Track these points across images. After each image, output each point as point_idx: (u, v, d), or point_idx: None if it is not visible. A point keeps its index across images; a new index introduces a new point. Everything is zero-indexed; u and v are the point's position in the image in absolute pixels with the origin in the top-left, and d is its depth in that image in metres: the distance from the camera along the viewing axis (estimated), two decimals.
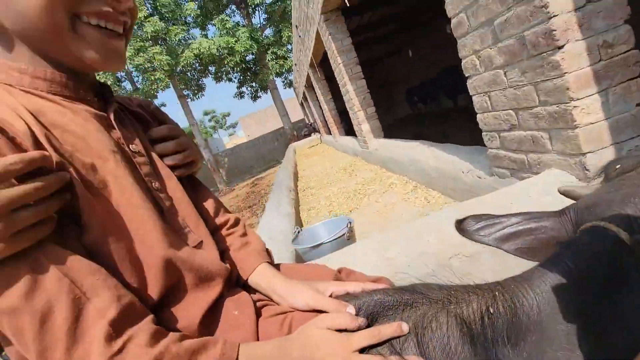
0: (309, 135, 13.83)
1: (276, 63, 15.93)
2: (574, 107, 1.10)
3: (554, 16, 1.04)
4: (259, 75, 17.41)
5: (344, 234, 1.66)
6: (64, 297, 0.33)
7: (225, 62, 14.40)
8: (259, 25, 17.24)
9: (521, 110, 1.34)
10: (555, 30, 1.05)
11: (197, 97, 17.73)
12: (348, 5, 2.92)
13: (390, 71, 16.50)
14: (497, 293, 0.49)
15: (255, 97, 19.61)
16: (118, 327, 0.35)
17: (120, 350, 0.34)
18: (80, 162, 0.40)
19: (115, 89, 13.14)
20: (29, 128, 0.36)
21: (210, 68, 16.64)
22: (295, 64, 10.79)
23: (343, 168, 5.54)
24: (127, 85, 15.21)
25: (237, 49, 13.96)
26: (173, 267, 0.44)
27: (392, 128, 10.75)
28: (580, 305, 0.39)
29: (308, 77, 9.20)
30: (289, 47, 17.33)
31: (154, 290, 0.42)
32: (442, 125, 8.09)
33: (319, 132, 12.78)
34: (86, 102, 0.45)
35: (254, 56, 16.62)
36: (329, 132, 10.93)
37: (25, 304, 0.32)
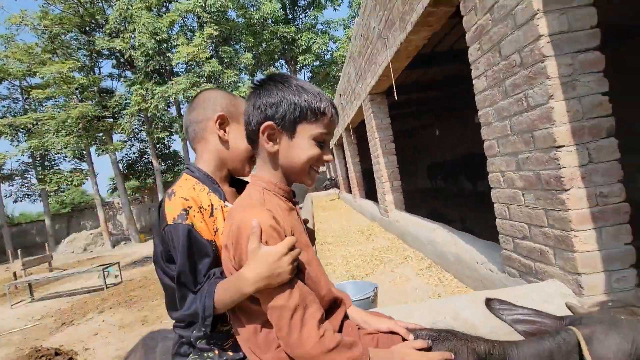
0: (328, 189, 14.29)
1: None
2: (574, 236, 1.41)
3: (563, 168, 1.40)
4: None
5: (369, 297, 1.92)
6: (300, 304, 0.66)
7: None
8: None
9: (533, 226, 1.66)
10: (563, 177, 1.41)
11: None
12: (396, 98, 3.45)
13: (416, 143, 17.27)
14: (496, 344, 0.79)
15: None
16: (320, 323, 0.67)
17: (322, 335, 0.65)
18: (295, 238, 0.74)
19: (163, 112, 14.31)
20: (280, 222, 0.71)
21: None
22: None
23: (360, 230, 5.80)
24: (173, 110, 16.54)
25: None
26: (330, 297, 0.77)
27: (409, 196, 11.11)
28: None
29: (340, 138, 9.88)
30: None
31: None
32: (460, 207, 8.36)
33: (338, 188, 13.23)
34: (291, 200, 0.82)
35: None
36: (349, 191, 11.34)
37: (287, 304, 0.65)
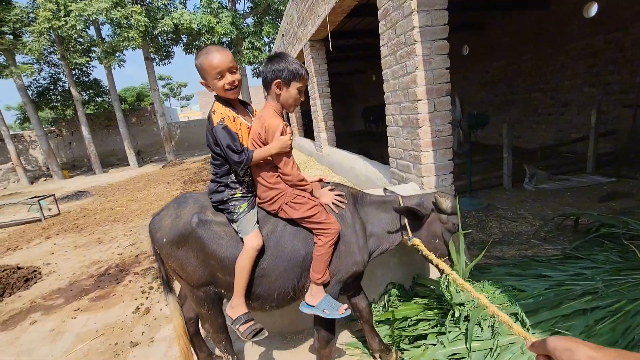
0: None
1: (251, 53, 16.51)
2: (422, 155, 2.39)
3: (420, 113, 2.32)
4: None
5: None
6: (292, 159, 1.51)
7: (203, 38, 14.63)
8: (242, 12, 17.64)
9: (405, 151, 2.63)
10: (419, 119, 2.33)
11: (163, 63, 17.48)
12: (331, 49, 4.09)
13: (353, 87, 18.01)
14: (360, 191, 1.72)
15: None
16: (298, 168, 1.53)
17: (299, 172, 1.53)
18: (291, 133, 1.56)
19: (81, 34, 12.64)
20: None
21: (183, 37, 16.63)
22: None
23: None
24: (92, 31, 14.56)
25: (217, 30, 14.33)
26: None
27: (344, 138, 12.21)
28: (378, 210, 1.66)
29: None
30: (266, 39, 18.00)
31: None
32: (384, 147, 9.67)
33: None
34: (283, 118, 1.57)
35: (230, 40, 16.97)
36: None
37: (287, 159, 1.48)
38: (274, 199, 1.54)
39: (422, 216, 1.67)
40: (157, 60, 17.08)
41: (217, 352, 2.17)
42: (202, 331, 1.97)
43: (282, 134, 1.46)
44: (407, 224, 1.69)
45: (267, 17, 17.23)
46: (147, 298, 3.17)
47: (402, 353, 1.94)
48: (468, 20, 8.11)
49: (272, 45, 18.82)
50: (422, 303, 2.14)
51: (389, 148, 2.92)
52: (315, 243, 1.56)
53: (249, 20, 17.97)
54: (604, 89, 6.06)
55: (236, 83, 1.48)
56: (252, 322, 1.54)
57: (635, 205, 3.91)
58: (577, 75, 6.50)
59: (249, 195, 1.57)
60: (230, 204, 1.52)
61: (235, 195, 1.53)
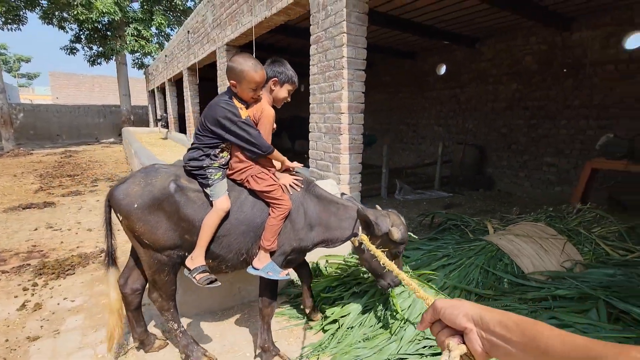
0: (165, 126, 13.33)
1: (136, 41, 14.90)
2: (341, 157, 3.00)
3: (342, 123, 2.94)
4: (109, 42, 15.56)
5: None
6: (270, 132, 1.85)
7: (75, 11, 12.47)
8: None
9: (326, 153, 3.20)
10: (341, 128, 2.95)
11: (10, 28, 13.97)
12: (254, 55, 4.42)
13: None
14: (315, 182, 2.14)
15: (93, 62, 16.99)
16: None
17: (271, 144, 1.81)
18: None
19: None
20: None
21: (43, 2, 13.77)
22: (167, 56, 10.93)
23: None
24: None
25: (97, 5, 12.51)
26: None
27: None
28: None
29: (180, 75, 9.68)
30: (154, 30, 16.55)
31: None
32: None
33: (167, 127, 12.71)
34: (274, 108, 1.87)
35: (111, 21, 14.93)
36: (181, 130, 11.31)
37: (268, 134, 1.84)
38: (243, 170, 1.83)
39: (374, 234, 1.82)
40: (1, 22, 13.58)
41: (162, 327, 2.20)
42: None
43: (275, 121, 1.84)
44: (361, 232, 1.86)
45: (157, 7, 15.93)
46: (32, 294, 2.74)
47: (324, 313, 2.41)
48: None
49: (162, 38, 17.40)
50: (337, 276, 2.69)
51: (310, 151, 3.46)
52: (269, 214, 1.89)
53: (136, 5, 16.25)
54: (447, 130, 8.20)
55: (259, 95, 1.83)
56: (208, 273, 1.76)
57: (463, 212, 5.54)
58: (431, 116, 8.56)
59: (224, 167, 1.83)
60: (207, 171, 1.74)
61: (214, 165, 1.76)
